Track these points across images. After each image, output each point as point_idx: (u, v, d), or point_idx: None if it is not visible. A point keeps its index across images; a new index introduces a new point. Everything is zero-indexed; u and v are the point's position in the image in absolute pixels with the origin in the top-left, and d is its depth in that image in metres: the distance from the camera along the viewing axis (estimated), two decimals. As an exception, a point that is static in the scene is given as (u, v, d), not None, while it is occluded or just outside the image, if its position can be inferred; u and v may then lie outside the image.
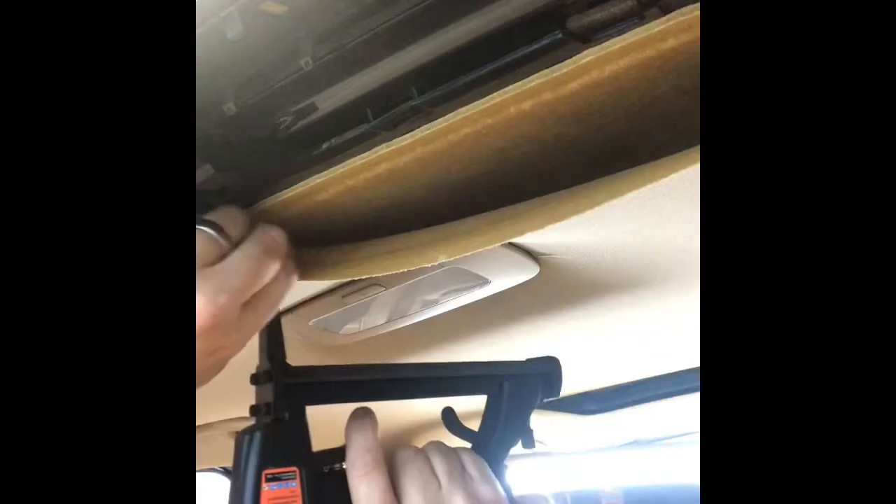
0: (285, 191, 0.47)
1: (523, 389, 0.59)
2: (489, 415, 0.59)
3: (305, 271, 0.52)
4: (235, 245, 0.45)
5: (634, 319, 0.88)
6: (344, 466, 0.52)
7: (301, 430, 0.51)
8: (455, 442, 0.57)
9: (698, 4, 0.33)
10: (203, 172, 0.46)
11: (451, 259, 0.46)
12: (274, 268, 0.46)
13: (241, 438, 0.50)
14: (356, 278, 0.69)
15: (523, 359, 0.61)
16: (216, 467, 1.49)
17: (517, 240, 0.66)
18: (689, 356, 1.08)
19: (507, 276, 0.71)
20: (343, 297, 0.73)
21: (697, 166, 0.34)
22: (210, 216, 0.46)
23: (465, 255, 0.46)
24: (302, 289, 0.73)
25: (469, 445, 0.58)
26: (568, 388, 1.27)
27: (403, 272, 0.63)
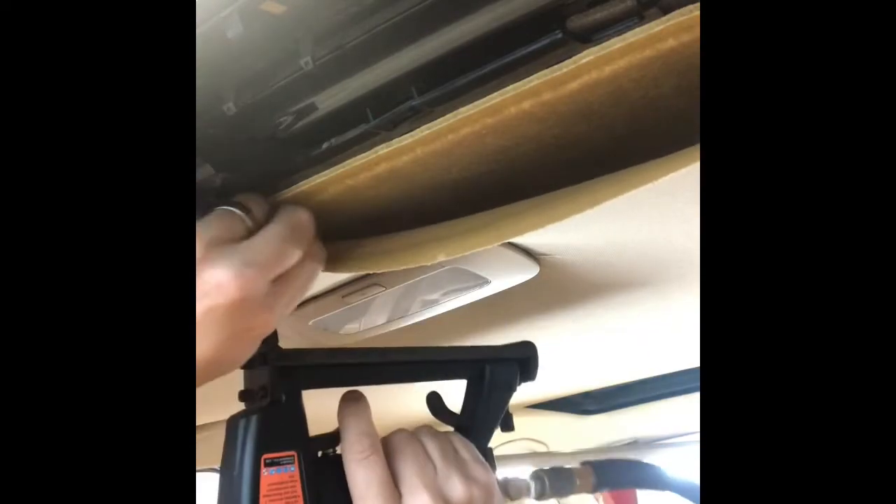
0: (285, 191, 0.47)
1: (503, 373, 0.60)
2: (471, 398, 0.60)
3: None
4: (260, 226, 0.46)
5: (634, 319, 0.88)
6: (338, 451, 0.51)
7: (298, 413, 0.50)
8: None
9: (698, 4, 0.33)
10: (203, 172, 0.46)
11: (451, 258, 0.46)
12: (300, 249, 0.46)
13: (236, 422, 0.48)
14: (355, 274, 0.69)
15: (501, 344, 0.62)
16: (216, 467, 1.49)
17: (517, 240, 0.66)
18: (689, 356, 1.08)
19: (507, 276, 0.71)
20: (343, 296, 0.73)
21: (697, 164, 0.34)
22: (237, 198, 0.46)
23: (465, 254, 0.46)
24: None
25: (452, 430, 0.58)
26: (568, 388, 1.28)
27: (403, 272, 0.63)
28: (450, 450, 0.54)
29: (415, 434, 0.54)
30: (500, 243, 0.49)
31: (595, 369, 1.15)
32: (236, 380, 0.51)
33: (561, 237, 0.65)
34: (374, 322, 0.80)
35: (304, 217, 0.47)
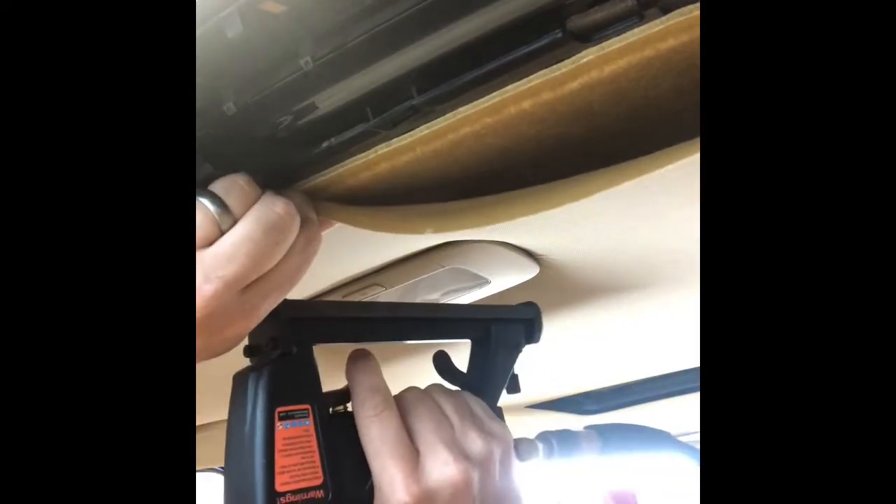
0: (284, 191, 0.47)
1: (509, 334, 0.59)
2: (477, 359, 0.59)
3: None
4: (238, 220, 0.41)
5: (634, 319, 0.88)
6: (349, 408, 0.50)
7: (310, 365, 0.48)
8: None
9: (698, 4, 0.33)
10: (203, 172, 0.46)
11: (438, 234, 0.46)
12: (281, 247, 0.42)
13: (245, 377, 0.46)
14: (355, 274, 0.69)
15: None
16: (216, 467, 1.49)
17: (517, 240, 0.66)
18: (689, 356, 1.08)
19: (507, 276, 0.71)
20: (343, 296, 0.73)
21: (693, 157, 0.34)
22: (213, 186, 0.42)
23: (455, 232, 0.46)
24: (302, 288, 0.73)
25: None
26: (568, 388, 1.27)
27: (403, 272, 0.63)
28: (464, 406, 0.52)
29: (427, 392, 0.52)
30: (490, 226, 0.48)
31: (595, 369, 1.15)
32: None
33: (561, 237, 0.65)
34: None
35: (281, 210, 0.42)
